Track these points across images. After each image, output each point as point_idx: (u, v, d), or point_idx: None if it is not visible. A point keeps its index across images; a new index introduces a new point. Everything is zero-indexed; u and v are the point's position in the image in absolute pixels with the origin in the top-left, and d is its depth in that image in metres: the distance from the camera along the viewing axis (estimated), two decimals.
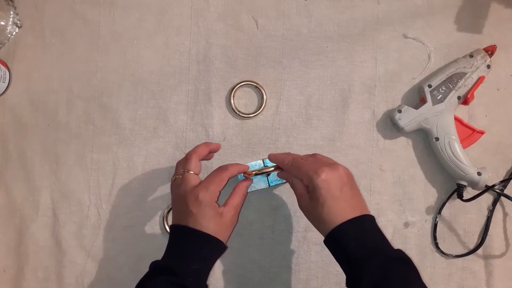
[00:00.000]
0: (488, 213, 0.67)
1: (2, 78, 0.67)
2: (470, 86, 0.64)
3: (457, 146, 0.64)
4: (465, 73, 0.64)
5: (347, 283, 0.53)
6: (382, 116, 0.68)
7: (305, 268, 0.67)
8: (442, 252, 0.67)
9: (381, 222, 0.67)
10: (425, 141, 0.67)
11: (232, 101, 0.68)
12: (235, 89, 0.68)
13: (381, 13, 0.69)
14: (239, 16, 0.69)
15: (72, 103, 0.69)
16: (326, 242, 0.54)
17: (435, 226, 0.67)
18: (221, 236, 0.56)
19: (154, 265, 0.56)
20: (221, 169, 0.60)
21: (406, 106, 0.65)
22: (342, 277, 0.67)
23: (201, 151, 0.61)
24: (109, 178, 0.68)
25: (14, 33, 0.69)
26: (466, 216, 0.67)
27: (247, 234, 0.67)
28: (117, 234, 0.68)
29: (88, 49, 0.69)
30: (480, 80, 0.64)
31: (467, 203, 0.66)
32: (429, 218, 0.68)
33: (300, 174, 0.56)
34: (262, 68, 0.69)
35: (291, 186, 0.59)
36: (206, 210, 0.56)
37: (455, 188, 0.66)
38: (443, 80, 0.65)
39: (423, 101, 0.66)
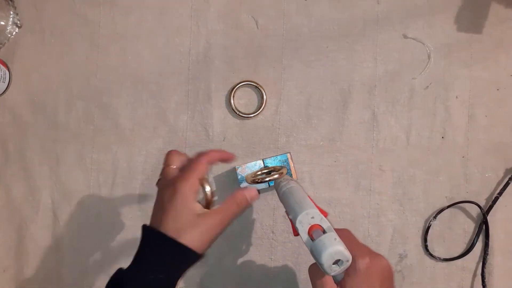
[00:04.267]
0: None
1: (2, 78, 0.67)
2: None
3: None
4: None
5: None
6: (382, 116, 0.68)
7: (305, 268, 0.67)
8: (439, 258, 0.67)
9: (381, 222, 0.67)
10: (426, 141, 0.68)
11: (232, 101, 0.68)
12: (235, 89, 0.68)
13: (381, 13, 0.69)
14: (239, 16, 0.69)
15: (72, 103, 0.69)
16: None
17: (427, 229, 0.67)
18: (196, 244, 0.48)
19: (117, 277, 0.48)
20: (199, 154, 0.52)
21: None
22: None
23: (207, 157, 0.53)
24: (109, 178, 0.68)
25: (14, 33, 0.69)
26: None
27: (247, 234, 0.68)
28: (117, 234, 0.68)
29: (88, 49, 0.69)
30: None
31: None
32: (429, 218, 0.68)
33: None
34: (262, 68, 0.69)
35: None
36: (183, 211, 0.48)
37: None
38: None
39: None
